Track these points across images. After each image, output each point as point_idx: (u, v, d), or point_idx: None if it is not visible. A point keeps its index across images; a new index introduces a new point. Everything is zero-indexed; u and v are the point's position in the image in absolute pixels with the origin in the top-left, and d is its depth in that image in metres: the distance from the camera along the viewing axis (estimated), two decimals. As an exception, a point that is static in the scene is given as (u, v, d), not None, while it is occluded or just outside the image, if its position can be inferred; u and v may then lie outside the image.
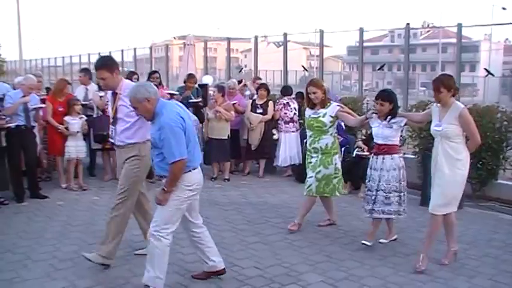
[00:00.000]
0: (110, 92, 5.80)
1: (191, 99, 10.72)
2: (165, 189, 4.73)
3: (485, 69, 11.91)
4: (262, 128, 10.37)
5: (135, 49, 24.12)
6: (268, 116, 10.34)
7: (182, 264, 5.74)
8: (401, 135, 9.82)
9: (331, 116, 6.73)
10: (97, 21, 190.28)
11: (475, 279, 5.41)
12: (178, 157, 4.62)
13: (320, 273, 5.52)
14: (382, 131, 6.17)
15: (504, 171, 8.93)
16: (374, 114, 6.30)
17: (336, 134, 6.97)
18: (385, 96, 6.24)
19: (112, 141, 5.76)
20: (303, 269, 5.63)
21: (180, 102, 10.63)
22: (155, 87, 4.94)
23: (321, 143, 6.79)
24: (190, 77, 11.16)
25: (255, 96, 10.77)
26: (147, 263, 4.84)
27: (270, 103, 10.43)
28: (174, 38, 46.79)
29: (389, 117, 6.14)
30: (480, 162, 8.64)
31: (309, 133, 6.97)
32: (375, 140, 6.34)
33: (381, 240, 6.35)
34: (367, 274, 5.50)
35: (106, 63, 5.68)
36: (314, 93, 6.77)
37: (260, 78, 13.35)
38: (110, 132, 5.82)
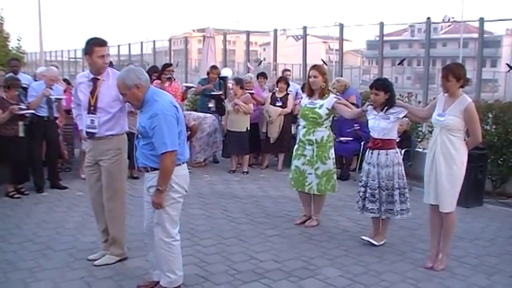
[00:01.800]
0: (86, 77, 5.44)
1: (213, 91, 10.80)
2: (160, 188, 4.38)
3: (507, 64, 11.78)
4: (281, 121, 10.34)
5: (154, 41, 24.25)
6: (288, 109, 10.31)
7: (201, 256, 5.75)
8: (421, 130, 9.87)
9: (328, 109, 6.57)
10: (117, 13, 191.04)
11: (495, 277, 5.36)
12: (170, 148, 4.31)
13: (339, 267, 5.51)
14: (378, 123, 5.93)
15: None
16: (370, 106, 6.06)
17: (329, 127, 6.78)
18: (380, 84, 5.97)
19: (92, 131, 5.31)
20: (321, 263, 5.62)
21: (202, 93, 10.79)
22: (146, 75, 4.62)
23: (316, 136, 6.62)
24: (214, 68, 11.27)
25: (275, 89, 10.74)
26: (165, 271, 4.63)
27: (290, 96, 10.39)
28: (193, 30, 46.79)
29: (385, 107, 5.92)
30: (501, 159, 8.56)
31: (302, 123, 6.81)
32: (370, 134, 6.12)
33: (370, 240, 6.16)
34: (386, 269, 5.47)
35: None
36: (315, 77, 6.59)
37: (289, 70, 13.32)
38: (90, 122, 5.32)
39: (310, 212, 7.01)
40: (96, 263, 5.46)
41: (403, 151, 8.65)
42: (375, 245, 6.09)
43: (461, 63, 5.82)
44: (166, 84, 9.78)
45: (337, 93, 10.15)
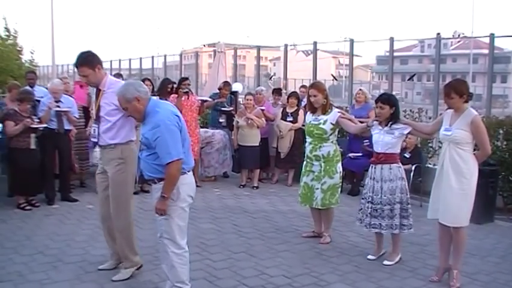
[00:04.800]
0: (94, 89, 5.59)
1: (224, 107, 10.84)
2: (165, 195, 4.42)
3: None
4: (291, 136, 10.33)
5: (165, 56, 24.39)
6: (298, 124, 10.28)
7: (211, 270, 5.74)
8: (431, 146, 9.85)
9: (332, 124, 6.57)
10: (128, 28, 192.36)
11: (507, 294, 5.32)
12: (176, 157, 4.36)
13: (349, 283, 5.48)
14: (382, 138, 5.98)
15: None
16: (375, 122, 6.10)
17: (335, 141, 6.77)
18: (385, 99, 6.02)
19: (94, 140, 5.53)
20: (331, 279, 5.60)
21: (213, 108, 10.83)
22: (145, 87, 4.72)
23: (322, 151, 6.62)
24: (226, 84, 11.31)
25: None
26: (175, 282, 4.64)
27: (301, 111, 10.39)
28: (204, 45, 46.96)
29: (390, 122, 5.95)
30: (512, 175, 8.52)
31: (308, 139, 6.79)
32: (374, 148, 6.16)
33: (386, 262, 6.09)
34: (397, 286, 5.45)
35: (86, 59, 5.36)
36: (315, 96, 6.61)
37: (305, 86, 13.30)
38: (92, 131, 5.58)
39: (320, 228, 6.99)
40: (114, 278, 5.42)
41: (413, 167, 8.66)
42: (389, 265, 6.04)
43: (463, 79, 5.85)
44: (183, 98, 9.77)
45: (356, 103, 10.24)
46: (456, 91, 5.30)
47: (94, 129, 5.49)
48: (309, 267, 5.92)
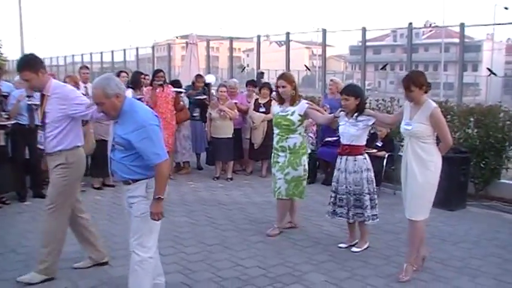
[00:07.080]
0: (38, 94, 5.34)
1: (198, 95, 10.90)
2: (161, 196, 4.22)
3: (488, 69, 11.90)
4: (265, 127, 10.32)
5: (137, 48, 24.21)
6: (270, 115, 10.27)
7: (185, 263, 5.72)
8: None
9: (300, 115, 6.55)
10: (99, 20, 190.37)
11: (479, 279, 5.39)
12: (164, 157, 4.21)
13: (324, 272, 5.50)
14: (348, 130, 6.01)
15: (507, 170, 8.89)
16: (342, 112, 6.12)
17: (304, 134, 6.80)
18: (350, 90, 6.06)
19: (41, 147, 5.31)
20: (306, 268, 5.62)
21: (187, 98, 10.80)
22: (123, 84, 4.54)
23: (288, 142, 6.61)
24: (199, 77, 11.42)
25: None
26: None
27: (273, 102, 10.37)
28: (177, 37, 46.77)
29: (356, 114, 5.98)
30: (483, 162, 8.64)
31: (276, 131, 6.79)
32: (340, 140, 6.21)
33: (354, 249, 6.18)
34: (371, 273, 5.48)
35: (28, 62, 5.11)
36: (283, 87, 6.58)
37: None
38: (39, 138, 5.34)
39: (295, 218, 7.03)
40: (18, 278, 5.23)
41: (386, 155, 8.73)
42: (358, 251, 6.11)
43: (420, 70, 5.84)
44: (158, 90, 9.72)
45: (329, 93, 10.25)
46: (415, 83, 5.20)
47: (40, 136, 5.28)
48: (283, 257, 5.94)
